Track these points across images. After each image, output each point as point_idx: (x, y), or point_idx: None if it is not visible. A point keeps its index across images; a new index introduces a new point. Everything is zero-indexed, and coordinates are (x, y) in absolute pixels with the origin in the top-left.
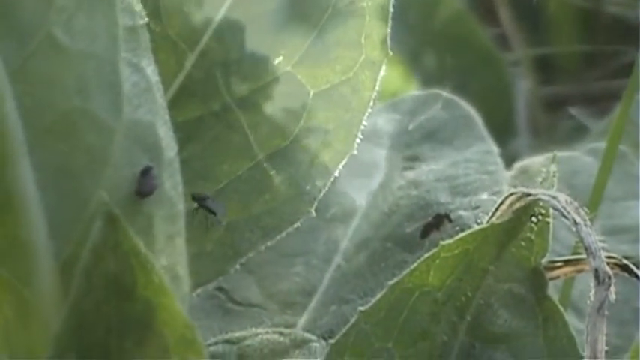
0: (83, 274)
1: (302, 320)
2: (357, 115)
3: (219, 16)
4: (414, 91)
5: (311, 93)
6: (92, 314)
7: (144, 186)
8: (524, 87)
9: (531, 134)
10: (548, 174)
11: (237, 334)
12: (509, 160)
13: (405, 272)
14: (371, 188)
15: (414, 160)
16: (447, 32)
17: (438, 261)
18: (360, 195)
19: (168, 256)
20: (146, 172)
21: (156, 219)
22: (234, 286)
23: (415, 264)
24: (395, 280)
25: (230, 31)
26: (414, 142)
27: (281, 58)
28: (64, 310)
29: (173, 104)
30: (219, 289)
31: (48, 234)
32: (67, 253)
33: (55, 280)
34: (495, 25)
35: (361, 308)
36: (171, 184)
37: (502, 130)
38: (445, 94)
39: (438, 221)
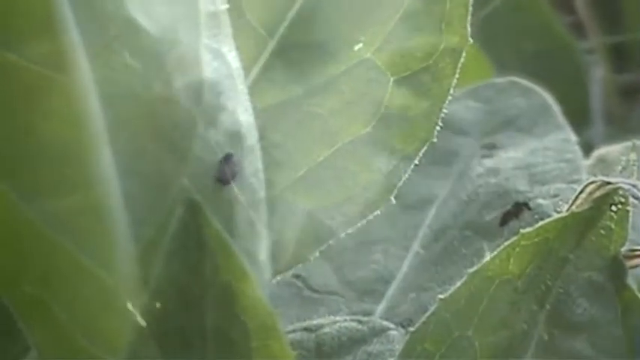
0: (164, 261)
1: (380, 308)
2: (437, 102)
3: (300, 0)
4: (490, 78)
5: (391, 80)
6: (173, 301)
7: (225, 173)
8: (599, 75)
9: (606, 122)
10: (628, 162)
11: (315, 321)
12: (584, 149)
13: (484, 260)
14: (450, 176)
15: (492, 147)
16: (521, 20)
17: (518, 249)
18: (438, 183)
19: (249, 242)
20: (227, 159)
21: (237, 205)
22: (312, 273)
23: (495, 252)
24: (475, 268)
25: (311, 16)
26: (492, 130)
27: (361, 44)
28: (145, 296)
29: (252, 91)
30: (297, 276)
31: (128, 221)
32: (147, 240)
33: (135, 267)
34: (570, 13)
35: (441, 296)
36: (252, 171)
37: (577, 118)
38: (523, 81)
39: (517, 209)
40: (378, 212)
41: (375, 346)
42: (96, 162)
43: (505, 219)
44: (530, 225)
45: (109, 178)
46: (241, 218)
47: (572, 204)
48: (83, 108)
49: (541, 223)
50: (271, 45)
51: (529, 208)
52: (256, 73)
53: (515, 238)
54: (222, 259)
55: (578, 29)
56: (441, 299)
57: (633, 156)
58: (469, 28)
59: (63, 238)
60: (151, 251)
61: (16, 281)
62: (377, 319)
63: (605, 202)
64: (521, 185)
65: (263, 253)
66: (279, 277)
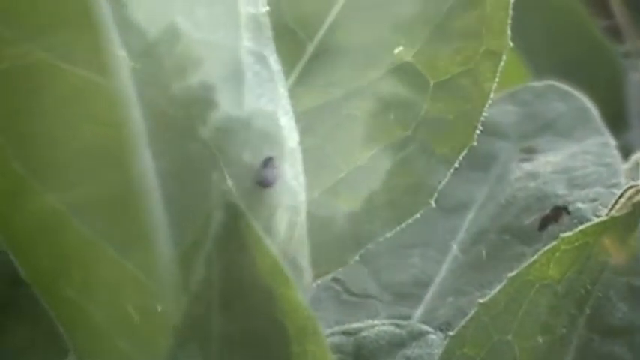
0: (204, 264)
1: (418, 312)
2: (477, 106)
3: (340, 3)
4: (528, 82)
5: (431, 83)
6: (213, 304)
7: (266, 176)
8: (636, 78)
9: None
10: None
11: (354, 325)
12: (622, 152)
13: (524, 264)
14: (488, 180)
15: (531, 151)
16: (558, 23)
17: (558, 254)
18: (477, 186)
19: (289, 246)
20: (268, 162)
21: (277, 209)
22: (350, 277)
23: (535, 256)
24: (514, 272)
25: (350, 18)
26: (531, 134)
27: (401, 47)
28: (185, 300)
29: (291, 94)
30: (335, 279)
31: (169, 224)
32: (188, 243)
33: (176, 270)
34: (607, 17)
35: (480, 300)
36: (293, 174)
37: (614, 122)
38: (561, 85)
39: (556, 214)
40: (418, 216)
41: (413, 350)
42: (136, 165)
43: (544, 223)
44: (569, 229)
45: (150, 181)
46: (282, 222)
47: (611, 208)
48: (124, 111)
49: (581, 227)
50: (310, 48)
51: (568, 213)
52: (295, 76)
53: (555, 242)
54: (263, 263)
55: (615, 33)
56: (480, 303)
57: None
58: (509, 32)
59: (104, 242)
60: (191, 255)
61: (57, 285)
62: (415, 323)
63: None
64: (560, 189)
65: (303, 257)
66: (318, 281)
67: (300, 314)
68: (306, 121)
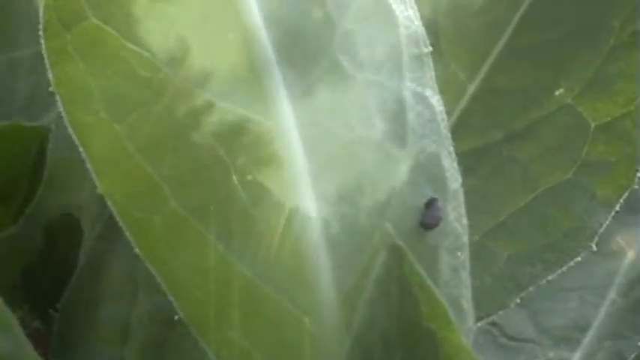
0: (367, 306)
1: (577, 356)
2: (638, 148)
3: (501, 44)
4: None
5: (592, 126)
6: (376, 346)
7: (429, 217)
8: None
9: None
10: None
11: None
12: None
13: None
14: None
15: None
16: None
17: None
18: (634, 230)
19: (452, 288)
20: (431, 204)
21: (440, 251)
22: (507, 320)
23: None
24: None
25: (511, 60)
26: None
27: (562, 90)
28: (348, 342)
29: (452, 135)
30: (492, 323)
31: (331, 267)
32: (350, 285)
33: (337, 312)
34: None
35: None
36: (456, 216)
37: None
38: None
39: None
40: (578, 259)
41: None
42: (297, 207)
43: None
44: None
45: (311, 223)
46: (445, 264)
47: None
48: (286, 151)
49: None
50: (471, 89)
51: None
52: (456, 117)
53: None
54: (426, 305)
55: None
56: None
57: None
58: None
59: (266, 285)
60: (354, 297)
61: (218, 327)
62: None
63: None
64: None
65: (466, 300)
66: (478, 324)
67: (464, 358)
68: (465, 163)
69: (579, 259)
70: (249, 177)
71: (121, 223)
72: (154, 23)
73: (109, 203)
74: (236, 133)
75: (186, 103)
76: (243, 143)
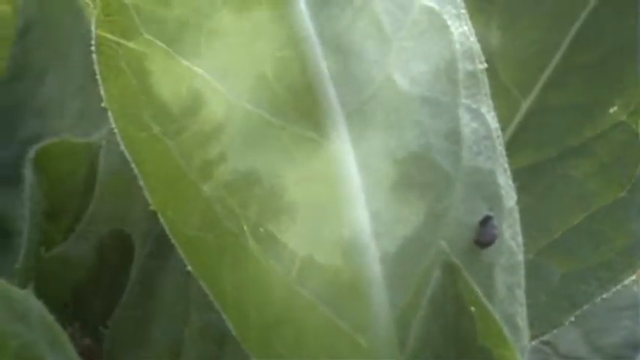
0: (422, 324)
1: None
2: None
3: (555, 61)
4: None
5: None
6: None
7: (484, 235)
8: None
9: None
10: None
11: None
12: None
13: None
14: None
15: None
16: None
17: None
18: None
19: (507, 306)
20: (486, 221)
21: (496, 269)
22: (560, 339)
23: None
24: None
25: (565, 77)
26: None
27: (616, 107)
28: (402, 359)
29: (507, 152)
30: (545, 342)
31: (385, 284)
32: (404, 303)
33: (391, 330)
34: None
35: None
36: (511, 234)
37: None
38: None
39: None
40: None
41: None
42: (353, 224)
43: None
44: None
45: (366, 240)
46: (500, 282)
47: None
48: (340, 168)
49: None
50: (525, 106)
51: None
52: (510, 134)
53: None
54: (482, 324)
55: None
56: None
57: None
58: None
59: (319, 301)
60: (408, 315)
61: (268, 341)
62: None
63: None
64: None
65: (521, 319)
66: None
67: None
68: (519, 180)
69: (633, 277)
70: (304, 193)
71: (173, 241)
72: None
73: (161, 220)
74: (295, 152)
75: None
76: (300, 161)
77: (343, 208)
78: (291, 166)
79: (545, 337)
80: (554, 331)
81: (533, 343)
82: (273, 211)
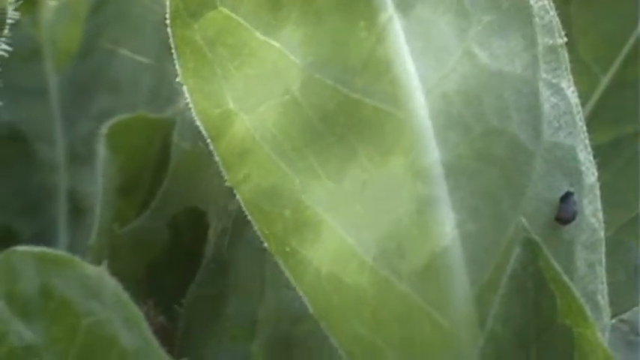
0: (502, 302)
1: None
2: None
3: (635, 35)
4: None
5: None
6: (510, 343)
7: (564, 212)
8: None
9: None
10: None
11: None
12: None
13: None
14: None
15: None
16: None
17: None
18: None
19: (588, 284)
20: (567, 198)
21: (576, 246)
22: (638, 317)
23: None
24: None
25: None
26: None
27: None
28: (481, 338)
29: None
30: (622, 320)
31: (465, 261)
32: (484, 280)
33: (470, 307)
34: None
35: None
36: (592, 211)
37: None
38: None
39: None
40: None
41: None
42: (431, 198)
43: None
44: None
45: (446, 217)
46: (580, 259)
47: None
48: (419, 143)
49: None
50: (604, 82)
51: None
52: (588, 110)
53: None
54: (562, 301)
55: None
56: None
57: None
58: None
59: (394, 278)
60: (488, 292)
61: (347, 322)
62: None
63: None
64: None
65: (602, 297)
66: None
67: (601, 356)
68: (598, 156)
69: None
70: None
71: (249, 217)
72: None
73: (237, 196)
74: (373, 126)
75: None
76: (379, 135)
77: (421, 181)
78: None
79: (623, 316)
80: (633, 309)
81: (613, 321)
82: None
